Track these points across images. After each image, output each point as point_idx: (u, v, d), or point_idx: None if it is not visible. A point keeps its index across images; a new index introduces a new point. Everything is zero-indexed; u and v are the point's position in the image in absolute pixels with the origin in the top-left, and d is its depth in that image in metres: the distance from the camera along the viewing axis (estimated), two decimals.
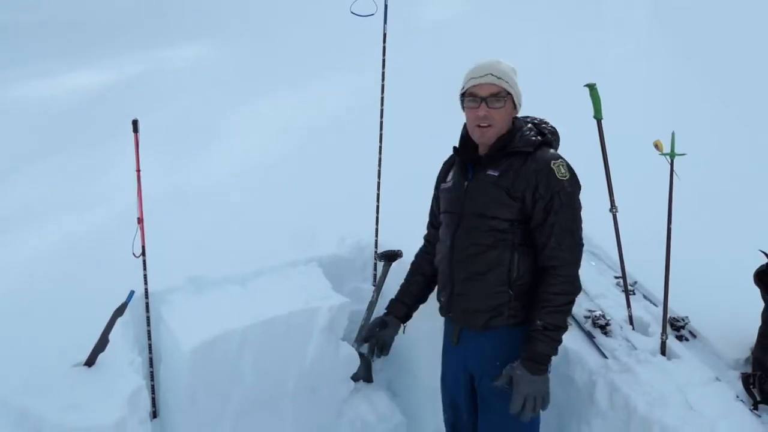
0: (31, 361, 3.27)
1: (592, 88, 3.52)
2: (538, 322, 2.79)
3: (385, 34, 4.12)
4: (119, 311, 3.37)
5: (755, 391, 3.17)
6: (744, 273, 3.40)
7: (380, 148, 4.33)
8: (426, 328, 3.53)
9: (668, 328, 3.52)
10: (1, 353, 3.34)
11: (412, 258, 3.50)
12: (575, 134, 3.85)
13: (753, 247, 3.43)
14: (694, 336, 3.62)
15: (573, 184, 2.88)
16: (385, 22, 4.08)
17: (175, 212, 4.73)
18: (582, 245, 2.93)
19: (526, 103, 3.06)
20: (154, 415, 3.86)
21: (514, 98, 2.95)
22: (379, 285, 4.22)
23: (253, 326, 3.64)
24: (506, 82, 2.89)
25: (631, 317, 3.71)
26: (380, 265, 4.30)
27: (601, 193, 3.67)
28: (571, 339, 3.55)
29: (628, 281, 3.82)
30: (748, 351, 3.40)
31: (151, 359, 3.83)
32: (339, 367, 3.99)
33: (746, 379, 3.24)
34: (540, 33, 8.72)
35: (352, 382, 4.13)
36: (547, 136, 3.02)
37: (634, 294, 3.91)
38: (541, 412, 2.87)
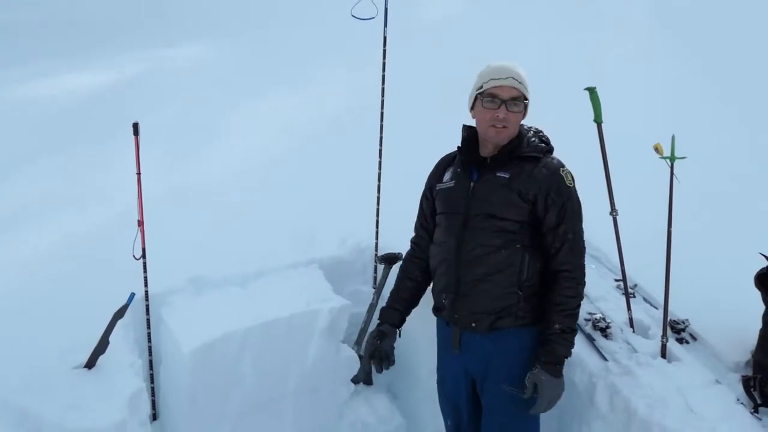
0: (31, 362, 3.28)
1: (592, 91, 3.51)
2: (557, 326, 2.85)
3: (385, 38, 4.12)
4: (120, 313, 3.37)
5: (756, 394, 3.17)
6: (744, 275, 3.40)
7: (380, 151, 4.33)
8: (426, 330, 3.52)
9: (669, 331, 3.51)
10: (1, 353, 3.34)
11: None
12: (575, 136, 3.86)
13: (753, 249, 3.43)
14: (694, 339, 3.62)
15: (576, 192, 2.96)
16: (386, 25, 4.08)
17: (175, 212, 4.73)
18: (585, 250, 3.00)
19: None
20: (155, 417, 3.87)
21: (528, 105, 2.97)
22: (379, 288, 4.22)
23: (253, 328, 3.66)
24: (525, 87, 2.92)
25: (631, 320, 3.71)
26: (380, 267, 4.30)
27: (600, 196, 3.67)
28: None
29: (629, 284, 3.83)
30: (748, 354, 3.40)
31: (151, 361, 3.83)
32: (339, 369, 3.99)
33: (747, 382, 3.24)
34: (540, 33, 8.70)
35: (353, 384, 4.14)
36: (550, 145, 3.06)
37: (634, 297, 3.91)
38: (541, 415, 2.99)
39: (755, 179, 5.41)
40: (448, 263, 3.02)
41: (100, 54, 8.50)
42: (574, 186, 2.94)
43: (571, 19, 9.26)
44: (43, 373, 3.21)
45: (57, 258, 4.33)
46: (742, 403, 3.13)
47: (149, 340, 3.82)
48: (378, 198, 4.39)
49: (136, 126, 3.51)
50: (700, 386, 3.22)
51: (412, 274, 3.31)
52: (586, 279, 2.99)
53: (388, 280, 4.17)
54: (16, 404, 3.03)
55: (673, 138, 3.42)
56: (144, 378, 3.61)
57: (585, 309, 3.77)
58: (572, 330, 2.89)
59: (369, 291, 4.42)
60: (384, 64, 4.18)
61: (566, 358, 2.89)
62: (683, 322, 3.64)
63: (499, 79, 2.89)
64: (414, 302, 3.34)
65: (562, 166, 2.97)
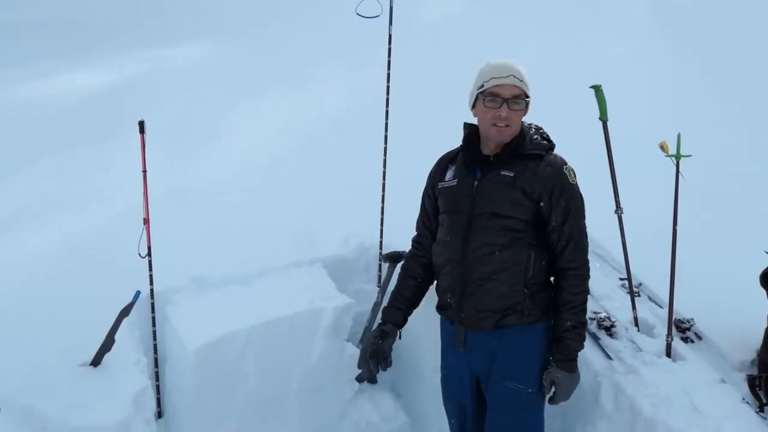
0: (33, 361, 3.28)
1: (597, 89, 3.52)
2: (568, 323, 2.89)
3: (390, 36, 4.11)
4: (125, 311, 3.37)
5: (761, 393, 3.16)
6: (747, 274, 3.41)
7: (385, 149, 4.33)
8: (429, 329, 3.51)
9: (673, 330, 3.52)
10: (4, 352, 3.34)
11: None
12: (575, 135, 3.86)
13: (755, 248, 3.43)
14: (699, 338, 3.62)
15: (579, 189, 2.97)
16: (391, 23, 4.08)
17: (175, 212, 4.72)
18: (588, 246, 3.01)
19: None
20: (159, 415, 3.87)
21: (529, 102, 2.96)
22: (383, 286, 4.21)
23: (257, 326, 3.65)
24: (526, 84, 2.91)
25: (636, 319, 3.71)
26: (385, 266, 4.29)
27: (603, 194, 3.67)
28: None
29: (633, 283, 3.83)
30: (753, 353, 3.40)
31: (156, 359, 3.83)
32: (343, 367, 3.99)
33: (752, 381, 3.24)
34: (540, 33, 8.71)
35: (357, 382, 4.13)
36: (552, 142, 3.06)
37: (639, 296, 3.91)
38: (545, 414, 3.06)
39: (755, 179, 5.41)
40: (453, 262, 3.01)
41: (100, 54, 8.51)
42: (576, 183, 2.95)
43: (571, 19, 9.28)
44: (48, 372, 3.22)
45: (57, 258, 4.33)
46: (747, 403, 3.13)
47: (154, 338, 3.82)
48: (383, 196, 4.38)
49: (142, 124, 3.52)
50: (705, 385, 3.22)
51: (415, 273, 3.29)
52: (591, 278, 3.01)
53: (392, 278, 4.16)
54: (20, 402, 3.03)
55: (678, 136, 3.42)
56: (149, 376, 3.60)
57: (590, 308, 3.68)
58: (583, 324, 2.94)
59: (373, 289, 4.42)
60: (389, 62, 4.17)
61: (579, 351, 2.94)
62: (688, 321, 3.64)
63: (500, 77, 2.88)
64: (416, 301, 3.33)
65: (565, 163, 2.97)
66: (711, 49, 8.03)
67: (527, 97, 2.93)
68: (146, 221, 3.67)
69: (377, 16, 4.01)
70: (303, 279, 4.07)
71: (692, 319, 3.66)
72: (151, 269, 3.73)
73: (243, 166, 5.82)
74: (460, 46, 7.65)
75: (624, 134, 4.22)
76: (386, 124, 4.31)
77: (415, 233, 3.37)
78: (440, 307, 3.16)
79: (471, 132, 3.08)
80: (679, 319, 3.64)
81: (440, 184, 3.15)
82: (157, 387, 3.84)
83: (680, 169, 3.43)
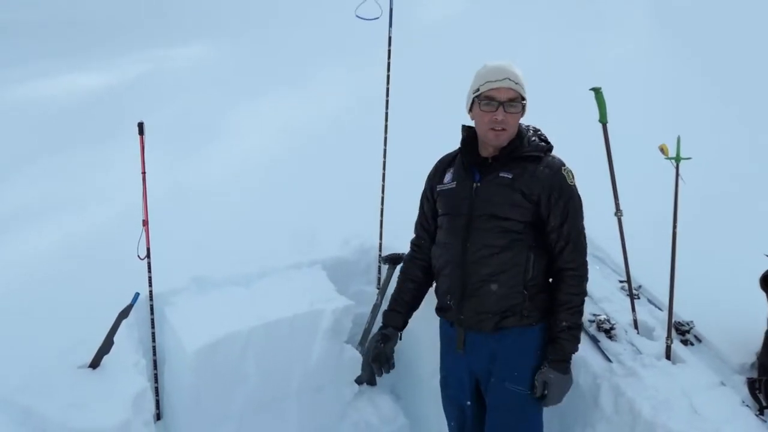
0: (32, 361, 3.27)
1: (597, 92, 3.51)
2: (564, 323, 2.89)
3: (390, 37, 4.11)
4: (124, 313, 3.36)
5: (761, 396, 3.16)
6: (747, 276, 3.40)
7: (385, 150, 4.32)
8: (429, 331, 3.51)
9: (673, 333, 3.51)
10: (3, 353, 3.34)
11: None
12: (575, 136, 3.86)
13: (755, 250, 3.42)
14: (699, 340, 3.61)
15: (577, 190, 2.98)
16: (391, 25, 4.07)
17: (175, 212, 4.72)
18: (587, 247, 3.02)
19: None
20: (158, 416, 3.87)
21: (526, 104, 2.96)
22: (383, 288, 4.22)
23: (257, 328, 3.66)
24: (522, 87, 2.91)
25: (635, 321, 3.70)
26: (384, 268, 4.29)
27: (603, 196, 3.66)
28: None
29: (633, 285, 3.82)
30: (753, 356, 3.39)
31: (155, 361, 3.83)
32: (343, 369, 3.99)
33: (752, 384, 3.24)
34: (540, 33, 8.71)
35: (356, 384, 4.13)
36: (550, 143, 3.07)
37: (638, 298, 3.90)
38: (544, 416, 3.07)
39: (755, 179, 5.41)
40: (452, 265, 3.02)
41: (100, 54, 8.50)
42: (575, 184, 2.96)
43: (571, 19, 9.27)
44: (47, 373, 3.21)
45: (57, 258, 4.33)
46: (747, 406, 3.13)
47: (153, 340, 3.82)
48: (382, 198, 4.37)
49: (141, 125, 3.51)
50: (705, 388, 3.21)
51: (414, 276, 3.30)
52: (590, 280, 3.03)
53: (392, 280, 4.16)
54: (19, 403, 3.02)
55: (678, 139, 3.41)
56: (148, 378, 3.60)
57: (589, 310, 3.76)
58: (578, 326, 2.94)
59: (373, 291, 4.42)
60: (389, 64, 4.16)
61: (573, 353, 2.94)
62: (688, 324, 3.63)
63: (495, 81, 2.88)
64: (416, 304, 3.34)
65: (563, 164, 2.98)
66: (711, 49, 8.02)
67: (523, 99, 2.93)
68: (145, 223, 3.66)
69: (377, 18, 4.00)
70: (303, 281, 4.07)
71: (692, 321, 3.65)
72: (150, 271, 3.73)
73: (243, 166, 5.82)
74: (460, 47, 7.64)
75: (624, 136, 4.22)
76: (386, 126, 4.31)
77: (414, 236, 3.37)
78: (439, 309, 3.16)
79: (469, 134, 3.09)
80: (679, 322, 3.64)
81: (439, 187, 3.15)
82: (156, 389, 3.84)
83: (680, 172, 3.43)
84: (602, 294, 3.95)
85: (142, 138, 3.52)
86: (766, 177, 5.44)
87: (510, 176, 2.92)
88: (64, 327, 3.54)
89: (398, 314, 3.30)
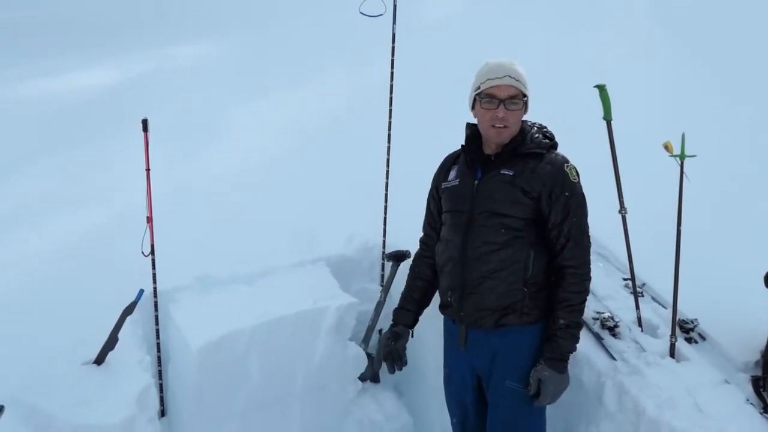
0: (39, 360, 3.28)
1: (602, 89, 3.51)
2: (561, 321, 2.87)
3: (394, 35, 4.10)
4: (129, 310, 3.37)
5: (765, 395, 3.17)
6: (751, 274, 3.40)
7: (389, 148, 4.32)
8: (433, 328, 3.52)
9: (677, 330, 3.52)
10: (7, 351, 3.33)
11: None
12: (575, 135, 3.85)
13: (757, 249, 3.43)
14: (703, 338, 3.62)
15: (581, 187, 2.97)
16: (395, 22, 4.07)
17: (176, 211, 4.71)
18: (590, 246, 3.00)
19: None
20: (162, 413, 3.86)
21: (528, 101, 2.96)
22: (387, 285, 4.22)
23: (260, 325, 3.65)
24: (523, 84, 2.91)
25: (639, 319, 3.71)
26: (388, 265, 4.29)
27: (606, 194, 3.66)
28: (580, 340, 3.54)
29: (637, 283, 3.82)
30: (758, 354, 3.40)
31: (159, 358, 3.82)
32: (346, 367, 3.99)
33: (756, 382, 3.25)
34: (540, 33, 8.71)
35: (360, 382, 4.13)
36: (554, 140, 3.07)
37: (642, 296, 3.90)
38: (547, 414, 3.07)
39: (755, 179, 5.41)
40: (453, 261, 3.02)
41: (101, 53, 8.50)
42: (578, 181, 2.95)
43: (571, 19, 9.28)
44: (51, 370, 3.22)
45: (57, 258, 4.32)
46: (751, 404, 3.13)
47: (158, 337, 3.82)
48: (386, 195, 4.37)
49: (145, 122, 3.51)
50: (709, 386, 3.22)
51: (423, 274, 3.31)
52: (594, 278, 3.01)
53: (395, 277, 4.16)
54: (24, 401, 3.02)
55: (683, 136, 3.41)
56: (152, 374, 3.60)
57: (593, 308, 3.77)
58: (577, 325, 2.92)
59: (376, 289, 4.42)
60: (393, 61, 4.16)
61: (571, 353, 2.92)
62: (692, 322, 3.63)
63: (496, 78, 2.89)
64: (426, 302, 3.36)
65: (567, 161, 2.97)
66: (711, 49, 8.03)
67: (525, 96, 2.94)
68: (149, 219, 3.65)
69: (381, 14, 4.00)
70: (306, 278, 4.07)
71: (696, 319, 3.65)
72: (154, 267, 3.73)
73: (244, 166, 5.80)
74: (460, 46, 7.64)
75: (626, 134, 4.22)
76: (389, 123, 4.30)
77: (422, 234, 3.38)
78: (442, 306, 3.18)
79: (473, 132, 3.10)
80: (683, 320, 3.64)
81: (443, 184, 3.17)
82: (161, 386, 3.83)
83: (686, 169, 3.43)
84: (606, 291, 3.96)
85: (146, 135, 3.51)
86: (767, 177, 5.44)
87: (511, 173, 2.92)
88: (64, 327, 3.54)
89: (408, 312, 3.32)
